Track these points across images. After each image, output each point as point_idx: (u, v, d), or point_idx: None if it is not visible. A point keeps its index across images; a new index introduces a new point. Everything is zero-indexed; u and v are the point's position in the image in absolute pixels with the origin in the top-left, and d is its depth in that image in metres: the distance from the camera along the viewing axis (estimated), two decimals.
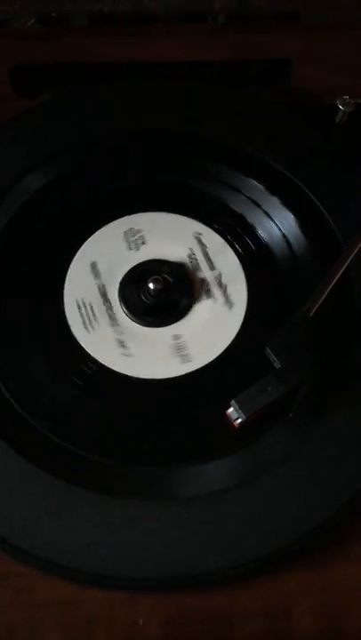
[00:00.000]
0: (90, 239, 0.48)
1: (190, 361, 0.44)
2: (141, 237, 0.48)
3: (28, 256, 0.47)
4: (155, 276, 0.45)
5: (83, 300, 0.46)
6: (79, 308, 0.45)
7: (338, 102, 0.51)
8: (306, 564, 0.38)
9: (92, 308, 0.45)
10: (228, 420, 0.39)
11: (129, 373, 0.43)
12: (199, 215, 0.48)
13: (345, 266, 0.42)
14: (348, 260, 0.42)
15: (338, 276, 0.42)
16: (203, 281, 0.47)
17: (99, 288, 0.46)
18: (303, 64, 0.55)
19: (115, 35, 0.58)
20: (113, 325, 0.45)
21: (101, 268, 0.47)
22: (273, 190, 0.48)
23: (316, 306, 0.41)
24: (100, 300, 0.46)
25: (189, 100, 0.52)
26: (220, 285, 0.46)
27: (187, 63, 0.55)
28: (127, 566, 0.37)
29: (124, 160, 0.50)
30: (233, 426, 0.39)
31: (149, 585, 0.38)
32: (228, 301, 0.46)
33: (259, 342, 0.41)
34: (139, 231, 0.48)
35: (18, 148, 0.50)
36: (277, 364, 0.40)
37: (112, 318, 0.45)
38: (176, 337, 0.45)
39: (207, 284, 0.46)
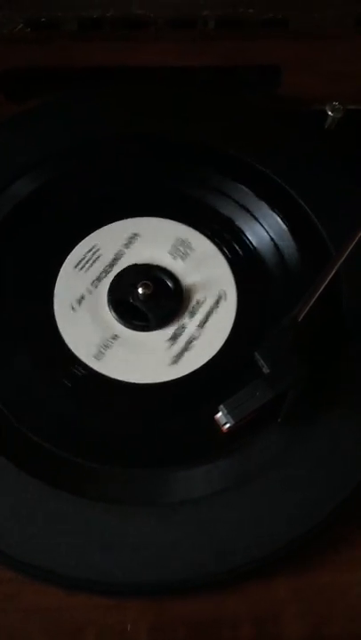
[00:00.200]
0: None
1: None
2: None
3: (18, 260, 0.47)
4: (144, 281, 0.45)
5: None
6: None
7: (327, 108, 0.51)
8: (295, 570, 0.38)
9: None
10: (216, 425, 0.39)
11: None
12: (188, 220, 0.49)
13: (334, 271, 0.42)
14: (337, 266, 0.43)
15: (327, 281, 0.42)
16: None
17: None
18: (293, 70, 0.55)
19: (104, 40, 0.58)
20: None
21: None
22: (261, 195, 0.49)
23: (305, 311, 0.41)
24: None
25: (179, 105, 0.52)
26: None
27: (176, 68, 0.55)
28: (115, 572, 0.37)
29: (114, 165, 0.50)
30: (222, 431, 0.39)
31: (138, 591, 0.37)
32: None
33: (248, 347, 0.41)
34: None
35: (8, 153, 0.50)
36: (266, 369, 0.40)
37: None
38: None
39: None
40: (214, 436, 0.40)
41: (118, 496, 0.39)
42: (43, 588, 0.38)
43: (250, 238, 0.48)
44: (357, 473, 0.39)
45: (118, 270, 0.47)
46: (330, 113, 0.51)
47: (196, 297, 0.46)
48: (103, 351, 0.44)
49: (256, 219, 0.49)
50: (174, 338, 0.45)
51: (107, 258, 0.47)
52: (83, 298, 0.46)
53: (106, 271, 0.47)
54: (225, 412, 0.39)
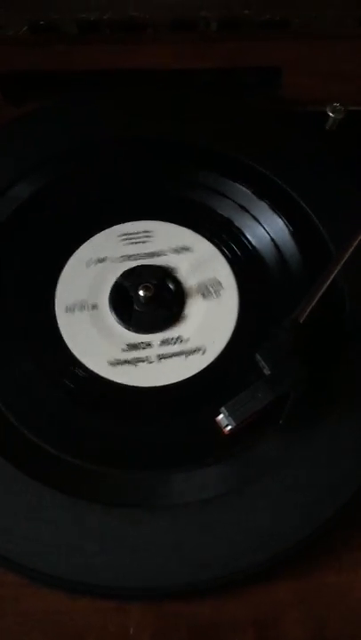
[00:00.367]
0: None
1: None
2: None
3: (20, 262, 0.47)
4: (145, 284, 0.45)
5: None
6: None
7: (328, 109, 0.51)
8: (296, 573, 0.38)
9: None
10: (218, 427, 0.39)
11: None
12: (188, 221, 0.49)
13: (335, 272, 0.42)
14: (338, 267, 0.42)
15: (328, 282, 0.42)
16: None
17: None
18: (293, 71, 0.55)
19: (104, 43, 0.58)
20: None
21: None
22: (261, 195, 0.48)
23: (306, 312, 0.41)
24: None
25: (178, 107, 0.52)
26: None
27: (176, 71, 0.55)
28: (118, 575, 0.37)
29: (114, 168, 0.50)
30: (223, 433, 0.39)
31: (140, 594, 0.37)
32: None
33: (249, 349, 0.41)
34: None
35: (8, 155, 0.50)
36: (267, 371, 0.40)
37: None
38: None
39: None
40: (216, 438, 0.39)
41: (120, 499, 0.39)
42: (44, 591, 0.38)
43: (250, 239, 0.48)
44: (358, 475, 0.39)
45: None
46: (331, 114, 0.51)
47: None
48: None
49: (257, 220, 0.49)
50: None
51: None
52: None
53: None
54: (226, 413, 0.39)
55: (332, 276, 0.42)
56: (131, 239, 0.48)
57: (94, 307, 0.46)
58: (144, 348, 0.44)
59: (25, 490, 0.38)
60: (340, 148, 0.51)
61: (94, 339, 0.44)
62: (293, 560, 0.38)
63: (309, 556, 0.38)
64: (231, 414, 0.39)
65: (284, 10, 0.57)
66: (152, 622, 0.37)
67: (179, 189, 0.50)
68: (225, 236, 0.48)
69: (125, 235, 0.48)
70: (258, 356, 0.40)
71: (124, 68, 0.55)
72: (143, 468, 0.40)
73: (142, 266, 0.47)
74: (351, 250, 0.42)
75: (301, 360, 0.40)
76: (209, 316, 0.45)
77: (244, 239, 0.48)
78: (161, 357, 0.44)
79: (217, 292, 0.46)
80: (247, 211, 0.49)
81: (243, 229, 0.48)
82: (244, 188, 0.49)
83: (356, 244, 0.42)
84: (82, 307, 0.45)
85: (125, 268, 0.47)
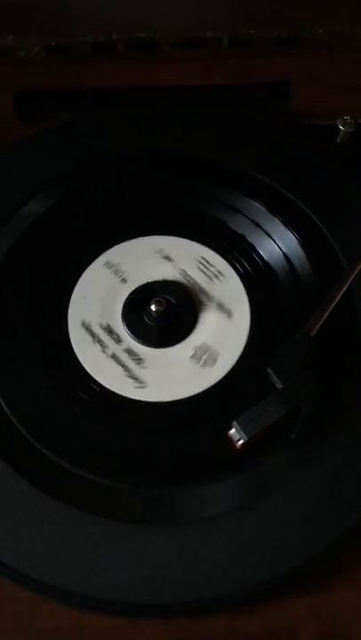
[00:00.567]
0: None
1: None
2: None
3: (33, 279, 0.47)
4: (157, 298, 0.45)
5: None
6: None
7: (338, 122, 0.51)
8: (311, 588, 0.38)
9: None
10: (230, 442, 0.39)
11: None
12: (201, 237, 0.49)
13: (346, 285, 0.42)
14: (350, 280, 0.43)
15: (339, 295, 0.42)
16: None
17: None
18: (303, 85, 0.55)
19: (116, 62, 0.59)
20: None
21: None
22: (274, 210, 0.49)
23: (318, 325, 0.41)
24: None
25: (189, 123, 0.52)
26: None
27: (187, 88, 0.56)
28: (130, 591, 0.37)
29: (127, 184, 0.51)
30: (235, 447, 0.39)
31: (152, 610, 0.37)
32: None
33: (261, 363, 0.41)
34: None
35: (21, 173, 0.50)
36: (279, 385, 0.40)
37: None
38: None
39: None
40: (228, 453, 0.39)
41: (133, 514, 0.39)
42: (57, 607, 0.37)
43: (262, 254, 0.48)
44: None
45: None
46: (341, 127, 0.51)
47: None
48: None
49: (268, 234, 0.49)
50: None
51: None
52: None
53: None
54: (238, 427, 0.39)
55: (343, 289, 0.42)
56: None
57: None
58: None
59: (40, 507, 0.38)
60: (352, 162, 0.51)
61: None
62: (307, 575, 0.37)
63: (323, 571, 0.38)
64: (243, 429, 0.39)
65: (289, 26, 0.57)
66: (165, 638, 0.37)
67: (191, 205, 0.50)
68: (237, 251, 0.48)
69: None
70: (269, 370, 0.40)
71: (135, 86, 0.56)
72: (156, 484, 0.40)
73: (154, 281, 0.47)
74: None
75: (314, 374, 0.40)
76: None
77: (256, 254, 0.48)
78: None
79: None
80: (260, 226, 0.49)
81: (255, 244, 0.49)
82: (256, 204, 0.49)
83: None
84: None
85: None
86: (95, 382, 0.44)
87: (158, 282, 0.47)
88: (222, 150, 0.50)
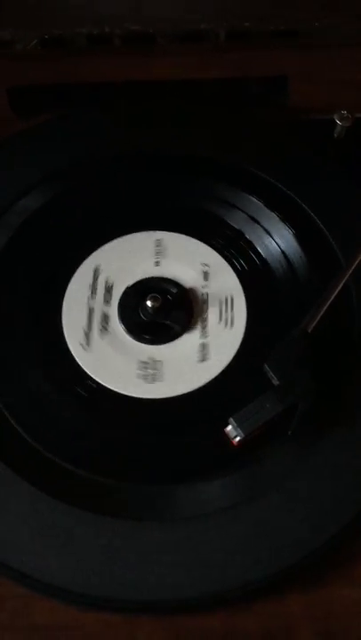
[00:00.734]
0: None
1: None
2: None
3: (27, 275, 0.47)
4: (153, 294, 0.45)
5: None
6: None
7: (336, 117, 0.50)
8: (307, 586, 0.38)
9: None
10: (227, 439, 0.39)
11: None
12: (197, 232, 0.48)
13: (343, 282, 0.42)
14: (347, 276, 0.42)
15: (336, 291, 0.42)
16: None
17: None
18: (300, 80, 0.55)
19: (112, 56, 0.58)
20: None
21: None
22: (272, 206, 0.48)
23: (315, 322, 0.41)
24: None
25: (187, 118, 0.52)
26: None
27: (184, 82, 0.55)
28: (127, 589, 0.37)
29: (122, 179, 0.50)
30: (232, 444, 0.39)
31: (149, 607, 0.37)
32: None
33: (258, 359, 0.41)
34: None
35: (16, 168, 0.50)
36: (276, 381, 0.40)
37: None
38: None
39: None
40: (225, 450, 0.39)
41: (129, 512, 0.39)
42: (54, 604, 0.37)
43: (259, 250, 0.48)
44: None
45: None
46: (339, 122, 0.50)
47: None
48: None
49: (266, 230, 0.48)
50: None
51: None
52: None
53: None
54: (235, 424, 0.39)
55: (340, 285, 0.42)
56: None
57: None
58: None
59: (36, 504, 0.38)
60: (349, 157, 0.50)
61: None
62: (304, 573, 0.37)
63: (320, 568, 0.38)
64: (240, 425, 0.39)
65: (285, 20, 0.57)
66: (162, 636, 0.37)
67: (188, 200, 0.50)
68: (235, 247, 0.48)
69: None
70: (266, 367, 0.40)
71: (132, 80, 0.56)
72: (152, 481, 0.40)
73: (151, 277, 0.47)
74: (360, 259, 0.42)
75: (310, 370, 0.40)
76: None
77: (253, 250, 0.48)
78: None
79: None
80: (257, 222, 0.49)
81: (252, 240, 0.48)
82: (254, 199, 0.49)
83: None
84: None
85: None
86: (91, 379, 0.43)
87: (154, 278, 0.47)
88: (219, 146, 0.50)
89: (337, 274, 0.43)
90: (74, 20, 0.58)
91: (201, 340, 0.45)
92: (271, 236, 0.48)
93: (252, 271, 0.47)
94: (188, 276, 0.47)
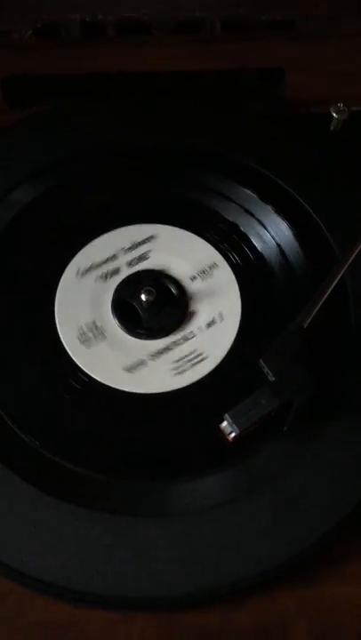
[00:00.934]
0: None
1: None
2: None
3: (20, 267, 0.47)
4: (147, 287, 0.45)
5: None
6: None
7: (332, 110, 0.50)
8: (301, 582, 0.38)
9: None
10: (222, 435, 0.39)
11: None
12: (192, 225, 0.48)
13: (339, 276, 0.42)
14: (343, 270, 0.42)
15: (332, 286, 0.42)
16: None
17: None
18: (297, 72, 0.54)
19: (107, 46, 0.58)
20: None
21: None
22: (267, 199, 0.48)
23: (311, 317, 0.41)
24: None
25: (182, 111, 0.51)
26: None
27: (179, 73, 0.55)
28: (121, 585, 0.37)
29: (117, 172, 0.50)
30: (227, 440, 0.39)
31: (143, 604, 0.37)
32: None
33: (253, 354, 0.40)
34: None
35: (9, 160, 0.50)
36: (271, 377, 0.39)
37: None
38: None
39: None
40: (220, 446, 0.39)
41: (124, 508, 0.39)
42: (50, 601, 0.37)
43: (254, 243, 0.48)
44: None
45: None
46: (335, 115, 0.50)
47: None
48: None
49: (261, 223, 0.48)
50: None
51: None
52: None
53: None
54: (230, 420, 0.39)
55: (336, 280, 0.42)
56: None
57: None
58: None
59: (30, 501, 0.38)
60: (345, 149, 0.50)
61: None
62: (299, 569, 0.37)
63: (314, 565, 0.38)
64: (235, 421, 0.38)
65: (280, 9, 0.56)
66: (158, 633, 0.37)
67: (183, 193, 0.49)
68: (229, 240, 0.48)
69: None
70: (262, 362, 0.40)
71: (128, 71, 0.55)
72: (148, 478, 0.40)
73: (144, 270, 0.46)
74: (356, 253, 0.42)
75: (306, 366, 0.39)
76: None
77: (248, 242, 0.48)
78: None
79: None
80: (252, 214, 0.48)
81: (248, 233, 0.48)
82: (249, 191, 0.48)
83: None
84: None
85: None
86: (86, 375, 0.43)
87: (148, 271, 0.46)
88: (214, 138, 0.50)
89: (333, 267, 0.42)
90: (67, 7, 0.57)
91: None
92: (266, 229, 0.48)
93: (246, 265, 0.47)
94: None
